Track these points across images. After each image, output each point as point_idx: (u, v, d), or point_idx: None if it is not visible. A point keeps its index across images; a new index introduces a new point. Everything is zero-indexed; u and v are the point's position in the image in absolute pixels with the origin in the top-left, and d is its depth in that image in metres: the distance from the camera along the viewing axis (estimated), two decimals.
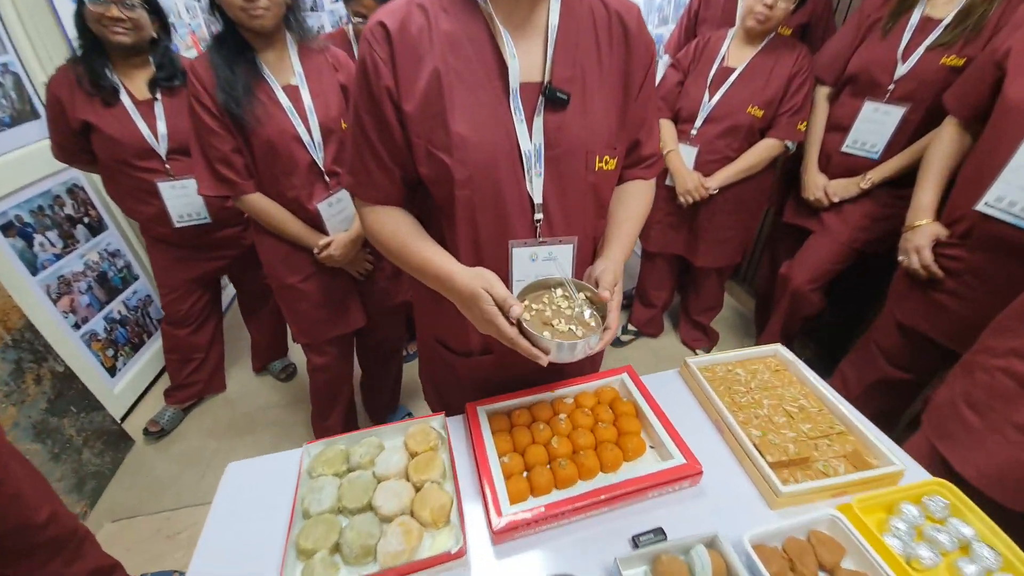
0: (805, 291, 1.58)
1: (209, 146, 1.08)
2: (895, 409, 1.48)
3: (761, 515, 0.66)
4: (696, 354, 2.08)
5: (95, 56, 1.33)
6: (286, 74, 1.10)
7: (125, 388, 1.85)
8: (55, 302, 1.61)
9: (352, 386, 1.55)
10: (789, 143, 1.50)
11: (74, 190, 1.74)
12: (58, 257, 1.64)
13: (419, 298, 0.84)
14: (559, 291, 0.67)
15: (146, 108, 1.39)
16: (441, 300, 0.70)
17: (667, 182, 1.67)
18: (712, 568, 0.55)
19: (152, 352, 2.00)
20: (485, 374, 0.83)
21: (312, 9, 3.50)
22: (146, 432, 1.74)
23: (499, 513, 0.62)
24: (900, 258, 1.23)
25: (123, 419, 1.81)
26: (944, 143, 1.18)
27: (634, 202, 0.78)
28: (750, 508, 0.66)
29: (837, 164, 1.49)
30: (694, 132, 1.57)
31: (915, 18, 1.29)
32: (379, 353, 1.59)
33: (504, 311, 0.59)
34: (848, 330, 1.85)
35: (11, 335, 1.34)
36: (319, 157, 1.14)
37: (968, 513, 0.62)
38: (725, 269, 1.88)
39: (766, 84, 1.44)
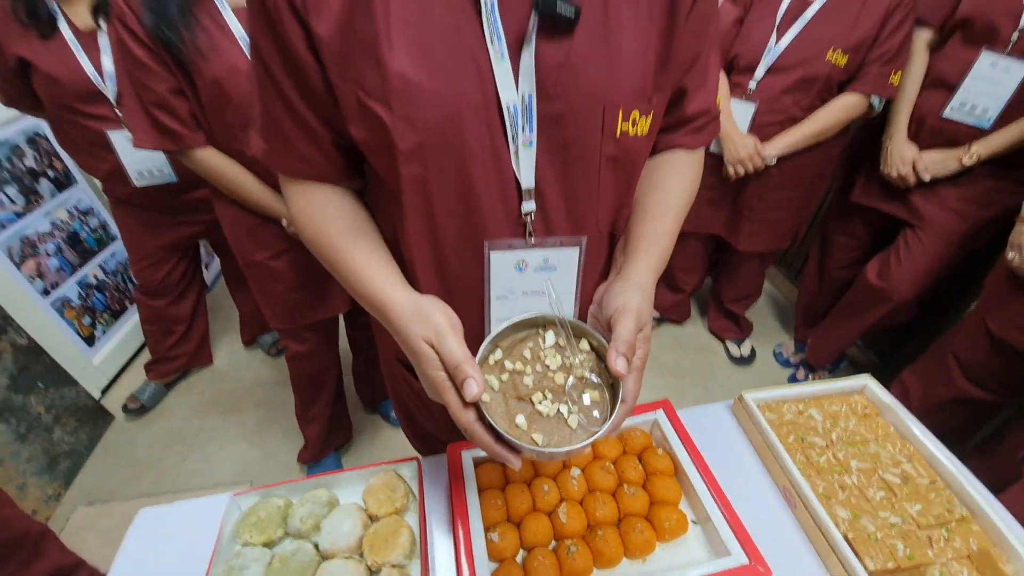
0: (911, 303, 1.34)
1: (141, 86, 0.85)
2: (964, 429, 1.27)
3: None
4: (725, 346, 1.87)
5: None
6: None
7: (106, 359, 1.72)
8: (18, 266, 1.46)
9: (339, 372, 1.38)
10: (875, 100, 1.20)
11: (36, 139, 1.54)
12: (19, 216, 1.47)
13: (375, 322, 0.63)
14: (550, 335, 0.45)
15: (89, 40, 1.15)
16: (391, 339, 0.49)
17: (711, 148, 1.39)
18: None
19: (135, 320, 1.87)
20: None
21: None
22: (125, 409, 1.63)
23: None
24: (1009, 255, 0.97)
25: (104, 391, 1.70)
26: None
27: (675, 183, 0.52)
28: None
29: (934, 131, 1.19)
30: (753, 85, 1.27)
31: None
32: (371, 332, 1.40)
33: (456, 383, 0.38)
34: (912, 332, 1.59)
35: None
36: None
37: None
38: (769, 255, 1.62)
39: (855, 22, 1.13)
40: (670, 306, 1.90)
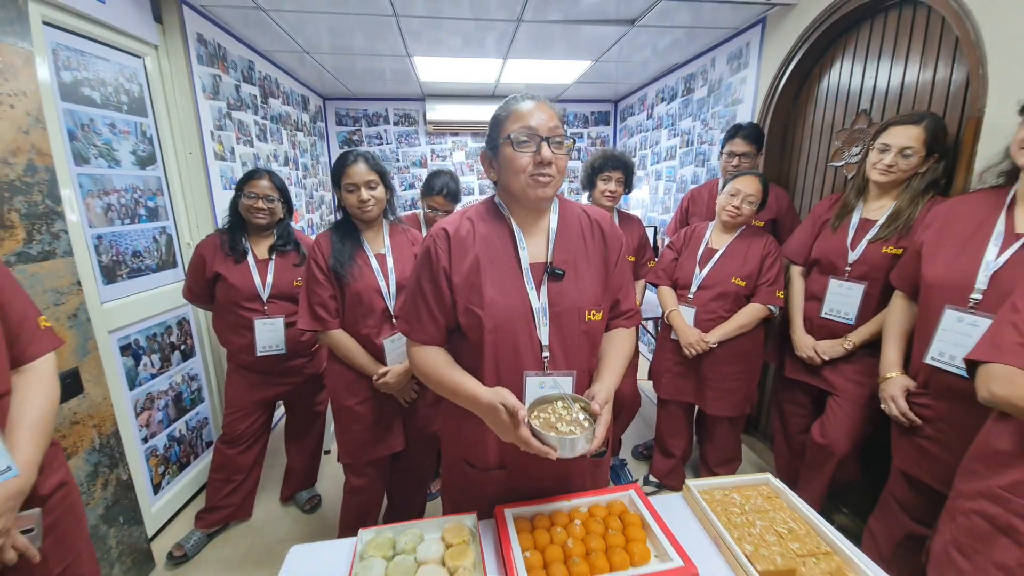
0: (851, 456, 1.66)
1: (313, 293, 1.44)
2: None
3: None
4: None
5: (237, 229, 1.83)
6: (378, 245, 1.52)
7: (163, 507, 1.94)
8: (137, 416, 1.86)
9: (379, 515, 1.62)
10: (772, 307, 1.79)
11: (182, 322, 2.14)
12: (153, 376, 1.95)
13: (446, 425, 1.07)
14: (560, 403, 0.89)
15: (262, 265, 1.83)
16: (465, 423, 0.93)
17: (672, 336, 1.93)
18: None
19: (193, 474, 2.13)
20: (499, 487, 0.99)
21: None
22: (170, 556, 1.77)
23: None
24: (882, 406, 1.37)
25: (152, 538, 1.85)
26: (896, 311, 1.43)
27: (619, 343, 1.03)
28: None
29: (819, 327, 1.73)
30: (691, 296, 1.89)
31: (855, 219, 1.67)
32: (409, 480, 1.69)
33: (514, 416, 0.80)
34: (878, 491, 1.83)
35: (100, 439, 1.56)
36: (391, 304, 1.48)
37: None
38: (736, 419, 1.99)
39: (744, 262, 1.80)
40: (666, 472, 2.16)
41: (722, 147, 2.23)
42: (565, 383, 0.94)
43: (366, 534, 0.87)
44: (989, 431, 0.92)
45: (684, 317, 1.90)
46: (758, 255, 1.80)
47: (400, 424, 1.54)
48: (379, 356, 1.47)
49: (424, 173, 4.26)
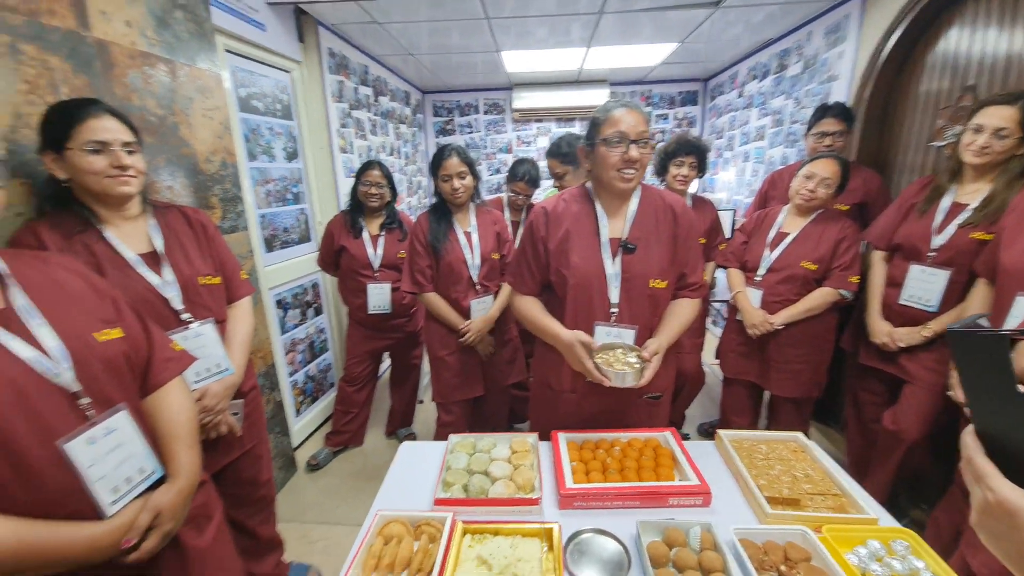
0: (921, 444, 1.66)
1: (414, 262, 1.79)
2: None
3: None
4: None
5: (356, 210, 2.25)
6: (466, 225, 1.82)
7: (301, 427, 2.49)
8: (285, 355, 2.40)
9: None
10: (845, 292, 1.78)
11: (315, 286, 2.66)
12: (295, 326, 2.48)
13: (537, 356, 1.35)
14: (620, 350, 1.11)
15: (374, 240, 2.24)
16: (549, 355, 1.20)
17: (738, 317, 2.00)
18: (701, 542, 0.83)
19: (321, 407, 2.68)
20: (571, 408, 1.25)
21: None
22: (308, 464, 2.30)
23: (564, 486, 0.97)
24: (949, 393, 1.37)
25: (295, 449, 2.41)
26: (977, 299, 1.40)
27: (680, 309, 1.23)
28: (747, 523, 0.91)
29: (898, 314, 1.70)
30: (758, 278, 1.93)
31: (946, 202, 1.61)
32: (486, 424, 2.01)
33: (587, 348, 1.07)
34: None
35: (265, 368, 2.08)
36: (475, 275, 1.78)
37: (925, 555, 0.80)
38: (802, 401, 2.01)
39: (816, 246, 1.81)
40: None
41: (809, 128, 2.18)
42: (628, 335, 1.17)
43: (455, 437, 1.17)
44: None
45: (750, 298, 1.95)
46: (833, 239, 1.79)
47: (480, 374, 1.85)
48: (465, 315, 1.78)
49: (509, 159, 4.54)
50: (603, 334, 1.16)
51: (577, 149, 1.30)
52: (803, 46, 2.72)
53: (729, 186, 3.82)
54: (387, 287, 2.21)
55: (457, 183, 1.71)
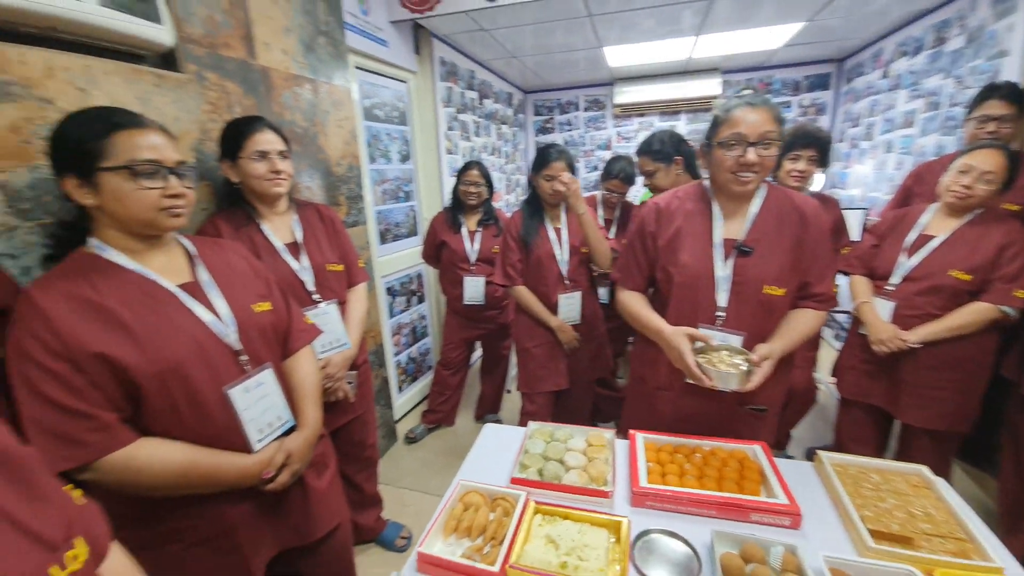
0: None
1: (506, 256, 1.88)
2: None
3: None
4: None
5: (456, 207, 2.42)
6: (557, 222, 1.87)
7: (402, 404, 2.77)
8: (392, 337, 2.68)
9: None
10: (1007, 308, 1.47)
11: (419, 276, 2.92)
12: (401, 312, 2.75)
13: (635, 350, 1.38)
14: (726, 352, 1.08)
15: (471, 235, 2.39)
16: (647, 349, 1.23)
17: (861, 330, 1.76)
18: (783, 563, 0.78)
19: (419, 387, 2.94)
20: (666, 406, 1.25)
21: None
22: (406, 437, 2.55)
23: (638, 484, 0.97)
24: None
25: (396, 422, 2.69)
26: None
27: (799, 319, 1.15)
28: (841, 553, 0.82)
29: None
30: (890, 287, 1.68)
31: None
32: (568, 417, 2.04)
33: (695, 341, 1.07)
34: None
35: (375, 347, 2.35)
36: (565, 269, 1.82)
37: None
38: (945, 436, 1.71)
39: (971, 252, 1.52)
40: None
41: (970, 111, 1.83)
42: (734, 341, 1.13)
43: (534, 425, 1.23)
44: None
45: (878, 310, 1.71)
46: (995, 244, 1.49)
47: (565, 367, 1.89)
48: (554, 310, 1.83)
49: (607, 156, 4.47)
50: (707, 334, 1.13)
51: (696, 150, 1.27)
52: (966, 16, 2.27)
53: (865, 181, 3.34)
54: (481, 280, 2.35)
55: (559, 185, 1.75)
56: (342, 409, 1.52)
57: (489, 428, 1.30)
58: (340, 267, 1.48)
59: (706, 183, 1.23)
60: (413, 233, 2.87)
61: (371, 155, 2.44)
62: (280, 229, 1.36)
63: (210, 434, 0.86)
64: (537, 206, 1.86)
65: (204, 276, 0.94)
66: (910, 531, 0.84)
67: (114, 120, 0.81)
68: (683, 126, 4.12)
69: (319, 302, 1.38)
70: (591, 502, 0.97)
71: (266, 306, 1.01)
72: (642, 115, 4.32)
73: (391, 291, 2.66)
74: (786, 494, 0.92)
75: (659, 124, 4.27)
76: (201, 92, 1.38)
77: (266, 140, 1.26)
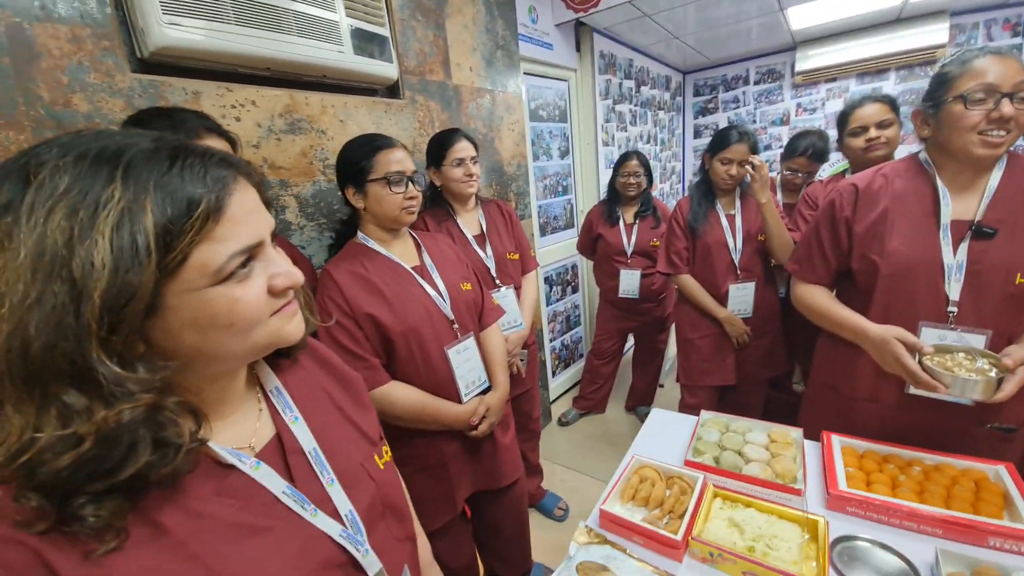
0: None
1: (671, 244, 1.85)
2: None
3: None
4: None
5: (613, 200, 2.44)
6: (730, 208, 1.76)
7: (556, 387, 2.93)
8: (548, 323, 2.85)
9: None
10: None
11: (574, 267, 3.04)
12: (557, 301, 2.91)
13: (819, 353, 1.23)
14: (962, 355, 0.91)
15: (628, 228, 2.38)
16: (840, 353, 1.08)
17: None
18: None
19: (570, 373, 3.07)
20: (868, 420, 1.08)
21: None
22: (559, 420, 2.71)
23: (836, 487, 0.90)
24: None
25: (551, 403, 2.86)
26: None
27: None
28: None
29: None
30: None
31: None
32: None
33: (913, 351, 0.91)
34: None
35: (537, 332, 2.52)
36: (737, 259, 1.71)
37: None
38: None
39: None
40: None
41: None
42: (975, 341, 0.95)
43: (707, 414, 1.22)
44: None
45: None
46: None
47: (733, 361, 1.78)
48: (721, 301, 1.75)
49: (783, 132, 3.95)
50: (932, 337, 0.97)
51: (911, 114, 1.04)
52: None
53: None
54: (637, 273, 2.33)
55: (736, 170, 1.66)
56: (515, 382, 1.70)
57: (656, 414, 1.33)
58: (516, 256, 1.67)
59: (922, 156, 1.04)
60: (570, 225, 2.99)
61: (535, 153, 2.62)
62: (470, 223, 1.59)
63: (434, 382, 1.09)
64: (708, 190, 1.79)
65: (428, 261, 1.17)
66: None
67: (376, 143, 1.08)
68: (892, 86, 3.40)
69: (500, 286, 1.58)
70: (778, 497, 0.93)
71: (468, 286, 1.21)
72: (833, 79, 3.69)
73: (548, 281, 2.83)
74: None
75: (855, 88, 3.60)
76: (413, 113, 1.69)
77: (463, 148, 1.48)
